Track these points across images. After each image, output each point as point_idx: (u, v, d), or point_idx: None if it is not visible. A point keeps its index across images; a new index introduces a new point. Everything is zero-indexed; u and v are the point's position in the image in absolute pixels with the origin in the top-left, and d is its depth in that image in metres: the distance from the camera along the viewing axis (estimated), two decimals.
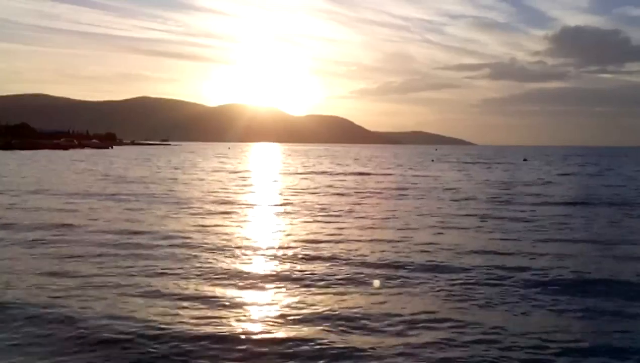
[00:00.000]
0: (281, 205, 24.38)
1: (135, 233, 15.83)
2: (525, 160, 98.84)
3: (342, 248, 13.85)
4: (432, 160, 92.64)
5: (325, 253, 13.19)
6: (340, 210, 22.19)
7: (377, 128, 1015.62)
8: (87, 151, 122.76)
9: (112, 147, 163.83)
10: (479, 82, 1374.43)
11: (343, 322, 8.28)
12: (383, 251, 13.63)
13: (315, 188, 33.82)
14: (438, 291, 10.09)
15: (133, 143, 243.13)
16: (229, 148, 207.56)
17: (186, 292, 9.85)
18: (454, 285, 10.46)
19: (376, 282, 10.72)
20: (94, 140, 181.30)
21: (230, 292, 9.88)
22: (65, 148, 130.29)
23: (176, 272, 11.31)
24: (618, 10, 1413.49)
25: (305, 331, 7.93)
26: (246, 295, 9.74)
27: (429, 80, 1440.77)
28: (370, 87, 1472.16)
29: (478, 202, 25.83)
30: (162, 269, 11.49)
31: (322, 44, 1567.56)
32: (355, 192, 31.05)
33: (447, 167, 66.15)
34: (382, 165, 71.14)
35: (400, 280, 10.87)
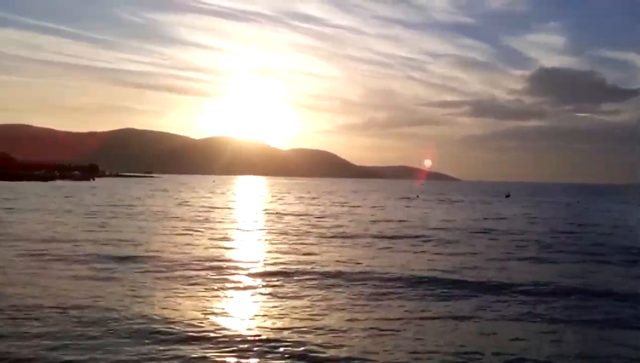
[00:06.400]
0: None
1: None
2: (507, 196, 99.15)
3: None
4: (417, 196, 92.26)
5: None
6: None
7: (362, 162, 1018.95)
8: (63, 183, 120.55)
9: (94, 179, 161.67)
10: (461, 118, 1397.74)
11: None
12: None
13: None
14: None
15: (115, 175, 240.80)
16: (214, 181, 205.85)
17: None
18: None
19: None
20: (75, 172, 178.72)
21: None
22: (45, 179, 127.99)
23: None
24: (593, 52, 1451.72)
25: None
26: None
27: (412, 116, 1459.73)
28: (354, 121, 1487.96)
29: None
30: None
31: (307, 79, 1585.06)
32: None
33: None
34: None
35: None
